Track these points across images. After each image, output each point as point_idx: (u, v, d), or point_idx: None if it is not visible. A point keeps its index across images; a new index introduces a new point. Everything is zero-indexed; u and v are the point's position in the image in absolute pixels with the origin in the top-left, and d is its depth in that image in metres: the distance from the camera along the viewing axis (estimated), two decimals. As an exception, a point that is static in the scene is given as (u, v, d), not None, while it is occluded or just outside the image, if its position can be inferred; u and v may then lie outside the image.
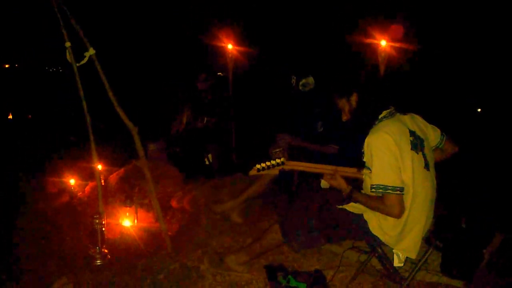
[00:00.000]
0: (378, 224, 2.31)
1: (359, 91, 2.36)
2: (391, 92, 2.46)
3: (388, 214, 2.20)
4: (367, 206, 2.31)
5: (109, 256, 3.04)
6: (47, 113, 10.46)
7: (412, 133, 2.27)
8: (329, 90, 2.55)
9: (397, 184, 2.14)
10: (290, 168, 2.56)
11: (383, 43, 4.23)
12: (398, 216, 2.18)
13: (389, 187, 2.13)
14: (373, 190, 2.19)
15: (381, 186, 2.15)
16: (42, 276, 2.80)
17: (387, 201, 2.15)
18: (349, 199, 2.37)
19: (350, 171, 2.56)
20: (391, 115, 2.31)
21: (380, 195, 2.18)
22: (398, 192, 2.14)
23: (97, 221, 2.99)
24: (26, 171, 5.02)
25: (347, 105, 2.40)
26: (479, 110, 11.96)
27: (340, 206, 2.41)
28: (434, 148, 2.47)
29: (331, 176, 2.42)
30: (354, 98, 2.37)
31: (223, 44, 5.63)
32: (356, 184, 2.50)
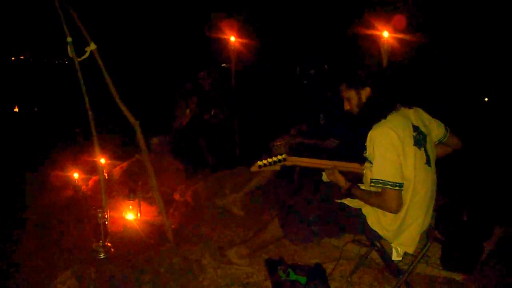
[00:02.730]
0: (377, 219, 2.31)
1: (375, 87, 2.32)
2: (403, 91, 2.43)
3: (385, 209, 2.20)
4: (366, 202, 2.32)
5: (112, 250, 3.07)
6: (53, 106, 10.50)
7: (415, 128, 2.25)
8: (338, 76, 2.49)
9: (397, 180, 2.13)
10: (292, 164, 2.57)
11: (386, 34, 4.18)
12: (396, 211, 2.17)
13: (389, 183, 2.13)
14: (372, 184, 2.19)
15: (381, 181, 2.14)
16: (46, 270, 2.84)
17: (386, 196, 2.15)
18: (347, 195, 2.37)
19: (352, 166, 2.57)
20: (395, 109, 2.30)
21: (379, 190, 2.18)
22: (397, 188, 2.13)
23: (100, 215, 3.01)
24: (30, 164, 5.07)
25: (355, 97, 2.36)
26: (486, 99, 11.83)
27: (339, 201, 2.41)
28: (437, 142, 2.46)
29: (330, 172, 2.43)
30: (365, 92, 2.33)
31: (225, 36, 5.61)
32: (357, 178, 2.51)
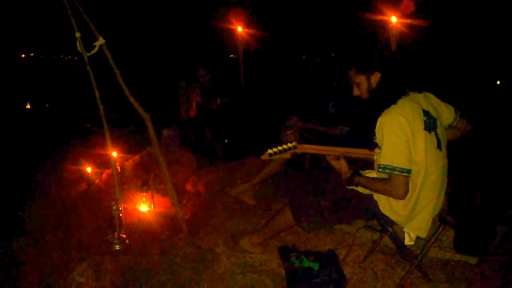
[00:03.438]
0: (388, 204, 2.32)
1: (385, 72, 2.29)
2: (414, 75, 2.41)
3: (392, 195, 2.20)
4: (370, 189, 2.32)
5: (127, 241, 3.11)
6: (64, 101, 10.60)
7: (425, 113, 2.24)
8: (347, 61, 2.47)
9: (405, 166, 2.13)
10: (302, 151, 2.58)
11: (394, 19, 4.14)
12: (402, 197, 2.17)
13: (397, 168, 2.12)
14: (380, 170, 2.19)
15: (389, 167, 2.14)
16: (62, 262, 2.89)
17: (393, 182, 2.14)
18: (349, 182, 2.37)
19: (362, 152, 2.56)
20: (405, 94, 2.28)
21: (387, 176, 2.18)
22: (405, 174, 2.13)
23: (114, 207, 3.05)
24: (44, 160, 5.15)
25: (365, 83, 2.34)
26: (498, 82, 11.66)
27: (350, 187, 2.42)
28: (447, 126, 2.45)
29: (336, 157, 2.43)
30: (375, 78, 2.31)
31: (233, 27, 5.60)
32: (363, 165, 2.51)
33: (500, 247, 2.76)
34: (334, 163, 2.46)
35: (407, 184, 2.15)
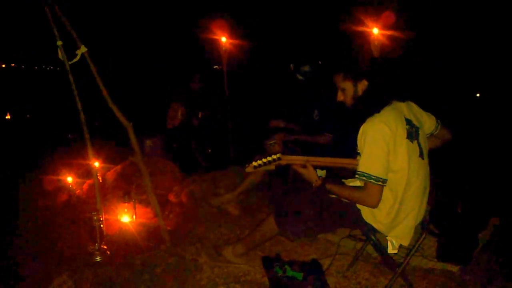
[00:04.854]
0: (371, 212, 2.32)
1: (373, 82, 2.31)
2: (399, 85, 2.43)
3: (364, 203, 2.23)
4: (342, 196, 2.33)
5: (108, 252, 3.06)
6: (45, 112, 10.47)
7: (408, 122, 2.26)
8: (335, 67, 2.45)
9: (382, 175, 2.15)
10: (287, 163, 2.57)
11: (375, 31, 4.21)
12: (374, 206, 2.20)
13: (373, 177, 2.14)
14: (357, 176, 2.21)
15: (365, 174, 2.16)
16: (42, 274, 2.82)
17: (368, 189, 2.17)
18: (319, 190, 2.36)
19: (347, 162, 2.57)
20: (389, 103, 2.30)
21: (362, 183, 2.20)
22: (380, 183, 2.15)
23: (95, 218, 3.00)
24: (24, 170, 5.05)
25: (351, 89, 2.35)
26: (478, 95, 11.91)
27: (333, 196, 2.42)
28: (428, 135, 2.47)
29: (302, 165, 2.41)
30: (361, 86, 2.32)
31: (216, 37, 5.60)
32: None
33: (481, 255, 2.79)
34: (302, 171, 2.42)
35: (381, 193, 2.17)
